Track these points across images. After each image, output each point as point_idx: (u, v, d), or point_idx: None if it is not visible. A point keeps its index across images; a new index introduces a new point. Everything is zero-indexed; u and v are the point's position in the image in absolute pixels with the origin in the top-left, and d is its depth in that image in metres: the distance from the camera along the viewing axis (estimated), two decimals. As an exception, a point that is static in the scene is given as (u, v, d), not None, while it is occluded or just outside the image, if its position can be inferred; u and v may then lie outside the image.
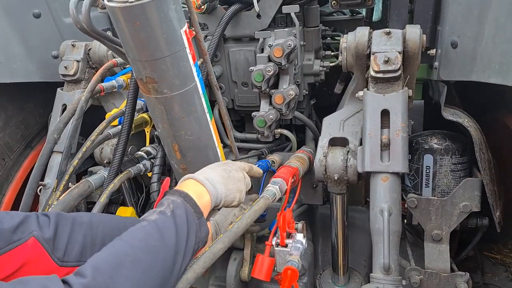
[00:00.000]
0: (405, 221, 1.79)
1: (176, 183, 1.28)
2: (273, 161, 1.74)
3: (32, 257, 0.97)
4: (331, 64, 1.84)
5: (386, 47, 1.38)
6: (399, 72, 1.35)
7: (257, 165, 1.61)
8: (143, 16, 1.01)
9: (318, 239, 2.04)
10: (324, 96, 2.16)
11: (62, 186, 1.36)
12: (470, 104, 1.84)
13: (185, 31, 1.13)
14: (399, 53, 1.35)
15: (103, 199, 1.35)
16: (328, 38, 2.01)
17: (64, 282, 0.78)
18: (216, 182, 1.16)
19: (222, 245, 1.07)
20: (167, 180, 1.20)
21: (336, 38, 1.98)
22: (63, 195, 1.32)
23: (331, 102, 2.08)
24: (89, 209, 1.52)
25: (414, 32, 1.39)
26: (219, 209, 1.33)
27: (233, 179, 1.23)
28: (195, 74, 1.22)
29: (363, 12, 2.07)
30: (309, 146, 1.90)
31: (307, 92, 1.89)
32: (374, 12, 2.08)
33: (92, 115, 1.83)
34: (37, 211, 1.54)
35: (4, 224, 0.95)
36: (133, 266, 0.87)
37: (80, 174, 1.99)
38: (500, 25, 1.24)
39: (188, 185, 1.13)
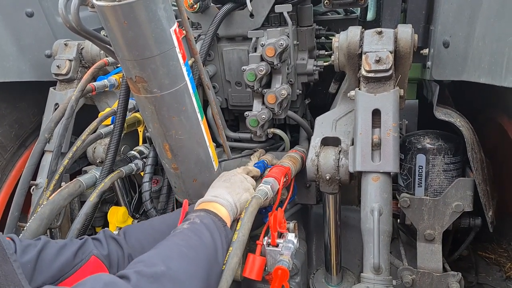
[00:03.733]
0: (398, 220, 1.79)
1: (169, 184, 1.29)
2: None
3: (94, 273, 1.01)
4: (325, 64, 1.84)
5: (378, 46, 1.37)
6: (391, 72, 1.35)
7: (255, 166, 1.61)
8: (132, 15, 1.01)
9: (311, 239, 2.04)
10: (319, 95, 2.16)
11: (52, 186, 1.36)
12: (465, 104, 1.84)
13: (175, 30, 1.13)
14: (391, 52, 1.35)
15: (92, 198, 1.35)
16: (322, 38, 2.01)
17: (120, 277, 0.84)
18: (223, 194, 1.24)
19: (237, 258, 1.10)
20: (185, 202, 1.25)
21: (330, 37, 1.98)
22: (53, 194, 1.32)
23: (326, 102, 2.07)
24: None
25: (405, 32, 1.39)
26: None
27: (236, 183, 1.30)
28: (185, 73, 1.21)
29: (357, 11, 2.07)
30: (302, 145, 1.89)
31: (300, 91, 1.89)
32: (368, 11, 2.08)
33: (86, 115, 1.82)
34: (29, 211, 1.55)
35: (68, 250, 1.06)
36: (181, 258, 0.94)
37: (75, 173, 1.99)
38: (490, 25, 1.24)
39: (204, 205, 1.21)
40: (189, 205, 1.27)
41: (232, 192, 1.26)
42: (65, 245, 1.09)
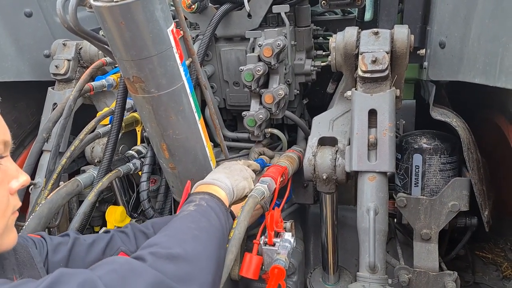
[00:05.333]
0: (395, 220, 1.80)
1: (167, 183, 1.29)
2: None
3: None
4: (322, 64, 1.85)
5: (374, 47, 1.38)
6: (387, 72, 1.36)
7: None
8: (129, 15, 1.02)
9: (309, 238, 2.05)
10: (316, 95, 2.16)
11: (50, 185, 1.37)
12: (462, 104, 1.85)
13: (172, 31, 1.13)
14: (387, 53, 1.36)
15: (91, 197, 1.36)
16: (320, 38, 2.02)
17: (135, 258, 0.84)
18: (222, 178, 1.25)
19: (232, 255, 1.10)
20: (188, 183, 1.27)
21: (328, 37, 1.99)
22: (51, 194, 1.33)
23: (324, 102, 2.08)
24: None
25: (402, 32, 1.40)
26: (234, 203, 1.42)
27: (235, 171, 1.32)
28: (182, 73, 1.22)
29: (355, 12, 2.08)
30: (300, 145, 1.90)
31: (298, 91, 1.90)
32: (366, 12, 2.09)
33: (85, 114, 1.83)
34: (28, 210, 1.55)
35: (97, 247, 1.07)
36: (194, 241, 0.94)
37: (73, 173, 2.00)
38: (485, 26, 1.24)
39: (203, 188, 1.22)
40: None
41: (231, 177, 1.27)
42: (94, 242, 1.10)
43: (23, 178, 0.89)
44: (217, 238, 1.02)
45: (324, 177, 1.46)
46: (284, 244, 1.32)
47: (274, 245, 1.32)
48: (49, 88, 1.89)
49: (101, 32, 1.65)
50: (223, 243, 1.06)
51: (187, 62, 1.35)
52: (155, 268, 0.81)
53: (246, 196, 1.29)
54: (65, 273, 0.72)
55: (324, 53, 1.95)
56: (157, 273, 0.80)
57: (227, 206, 1.20)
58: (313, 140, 1.55)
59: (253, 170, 1.48)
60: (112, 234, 1.16)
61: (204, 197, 1.13)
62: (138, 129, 1.82)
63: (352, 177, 1.48)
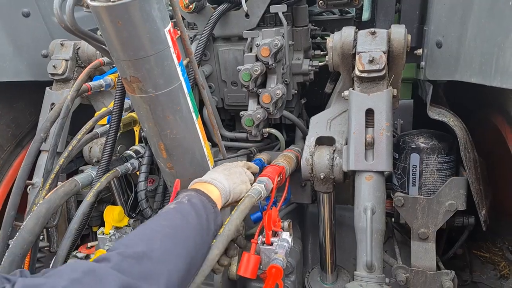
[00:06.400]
0: (393, 219, 1.80)
1: (165, 183, 1.28)
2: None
3: None
4: (320, 64, 1.85)
5: (371, 46, 1.39)
6: (384, 72, 1.36)
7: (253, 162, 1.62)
8: (126, 15, 1.02)
9: (307, 238, 2.05)
10: (315, 95, 2.17)
11: (48, 185, 1.37)
12: (459, 104, 1.86)
13: (169, 31, 1.13)
14: (384, 52, 1.36)
15: (89, 197, 1.36)
16: (318, 38, 2.02)
17: (100, 260, 0.82)
18: (221, 179, 1.24)
19: (217, 250, 1.09)
20: (177, 182, 1.24)
21: (326, 37, 1.98)
22: (49, 194, 1.32)
23: (322, 102, 2.08)
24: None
25: (398, 32, 1.40)
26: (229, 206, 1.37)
27: (235, 174, 1.30)
28: (179, 73, 1.22)
29: (353, 11, 2.08)
30: (298, 145, 1.91)
31: (296, 91, 1.90)
32: (363, 11, 2.09)
33: (83, 114, 1.83)
34: (26, 211, 1.55)
35: None
36: (164, 239, 0.92)
37: (72, 173, 2.00)
38: (481, 25, 1.25)
39: (196, 185, 1.21)
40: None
41: (229, 179, 1.26)
42: None
43: None
44: (193, 236, 0.99)
45: (322, 176, 1.46)
46: (281, 243, 1.32)
47: (271, 244, 1.33)
48: (47, 88, 1.89)
49: (98, 32, 1.65)
50: (201, 241, 1.02)
51: (185, 62, 1.35)
52: (120, 268, 0.79)
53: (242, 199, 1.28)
54: (28, 285, 0.69)
55: (322, 53, 1.95)
56: (122, 277, 0.78)
57: (219, 206, 1.17)
58: (310, 139, 1.55)
59: (252, 173, 1.47)
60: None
61: (189, 194, 1.11)
62: (136, 129, 1.82)
63: (350, 176, 1.49)
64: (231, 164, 1.40)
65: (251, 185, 1.34)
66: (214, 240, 1.10)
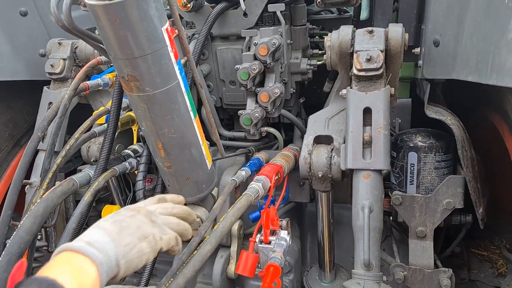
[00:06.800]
0: (391, 218, 1.81)
1: (163, 182, 1.21)
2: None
3: None
4: (318, 63, 1.85)
5: (369, 45, 1.39)
6: (381, 71, 1.36)
7: (249, 163, 1.60)
8: (123, 14, 1.02)
9: (306, 237, 2.06)
10: (313, 94, 2.17)
11: (45, 184, 1.36)
12: (457, 103, 1.86)
13: (167, 29, 1.13)
14: (381, 51, 1.36)
15: (87, 197, 1.35)
16: (316, 37, 2.02)
17: None
18: (104, 242, 0.86)
19: (210, 246, 1.08)
20: (19, 264, 0.81)
21: (324, 36, 1.99)
22: (46, 193, 1.32)
23: (321, 101, 2.09)
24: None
25: (396, 31, 1.41)
26: (122, 280, 1.03)
27: (129, 228, 0.92)
28: (177, 72, 1.22)
29: (351, 11, 2.09)
30: (296, 144, 1.91)
31: (294, 90, 1.90)
32: (362, 10, 2.09)
33: (81, 114, 1.83)
34: (23, 210, 1.55)
35: None
36: None
37: (70, 173, 1.99)
38: (477, 24, 1.25)
39: (60, 261, 0.81)
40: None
41: (119, 242, 0.88)
42: None
43: None
44: None
45: (320, 175, 1.47)
46: (280, 242, 1.33)
47: (270, 243, 1.33)
48: (45, 88, 1.89)
49: (96, 31, 1.65)
50: None
51: (183, 61, 1.35)
52: None
53: (147, 260, 0.92)
54: None
55: (320, 52, 1.95)
56: None
57: (98, 285, 0.79)
58: (308, 138, 1.55)
59: (180, 213, 1.08)
60: None
61: None
62: (134, 128, 1.82)
63: (348, 175, 1.49)
64: (129, 209, 1.00)
65: (249, 185, 1.28)
66: (208, 236, 1.09)
